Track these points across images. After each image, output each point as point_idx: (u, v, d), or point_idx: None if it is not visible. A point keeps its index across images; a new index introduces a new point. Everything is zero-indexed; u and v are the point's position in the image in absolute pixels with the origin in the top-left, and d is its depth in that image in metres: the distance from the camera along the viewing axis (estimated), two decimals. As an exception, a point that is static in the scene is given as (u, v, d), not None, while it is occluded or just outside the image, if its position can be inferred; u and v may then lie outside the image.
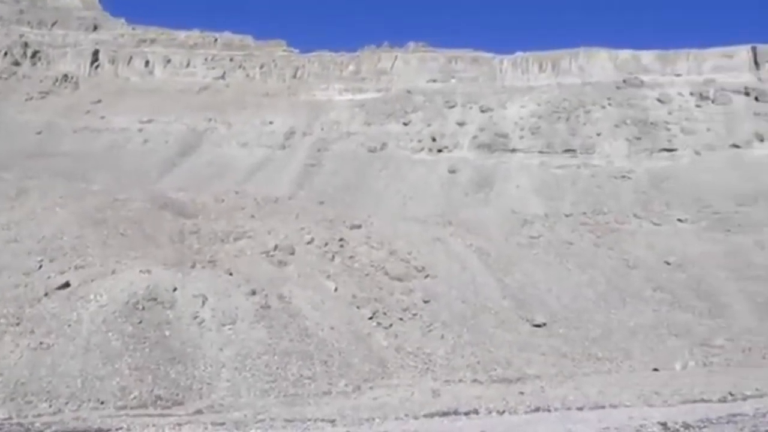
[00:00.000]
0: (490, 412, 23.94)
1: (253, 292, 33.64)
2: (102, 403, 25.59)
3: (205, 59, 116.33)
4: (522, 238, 55.05)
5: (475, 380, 32.78)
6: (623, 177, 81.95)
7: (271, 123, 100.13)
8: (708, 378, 32.28)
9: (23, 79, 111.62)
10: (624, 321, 44.51)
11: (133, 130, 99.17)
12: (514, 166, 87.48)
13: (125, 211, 43.33)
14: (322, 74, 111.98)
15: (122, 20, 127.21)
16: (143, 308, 30.25)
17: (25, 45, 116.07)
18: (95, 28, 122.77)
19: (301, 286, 37.67)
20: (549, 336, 41.00)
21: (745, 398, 25.76)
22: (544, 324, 42.18)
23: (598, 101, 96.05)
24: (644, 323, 44.43)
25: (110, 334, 28.47)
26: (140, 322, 29.47)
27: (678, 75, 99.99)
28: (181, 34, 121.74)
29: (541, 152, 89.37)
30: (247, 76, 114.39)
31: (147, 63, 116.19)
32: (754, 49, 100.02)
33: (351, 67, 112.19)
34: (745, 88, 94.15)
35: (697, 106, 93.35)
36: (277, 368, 29.60)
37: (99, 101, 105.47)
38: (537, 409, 24.41)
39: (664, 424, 18.73)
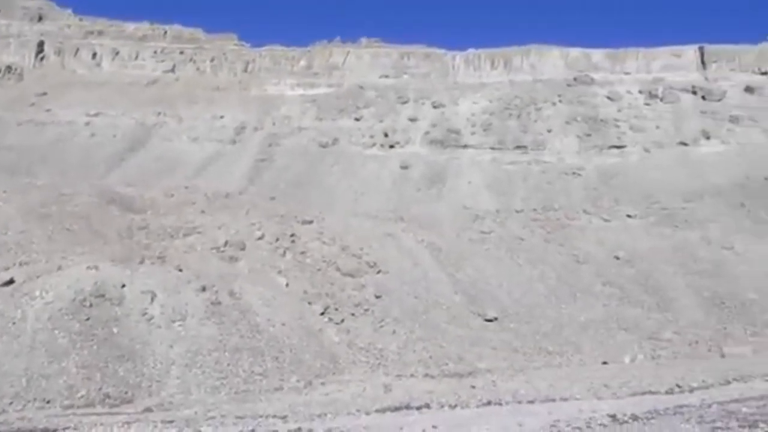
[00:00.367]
0: (441, 407, 23.95)
1: (204, 288, 33.28)
2: (48, 402, 25.10)
3: (155, 52, 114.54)
4: (473, 234, 55.34)
5: (426, 375, 32.84)
6: (573, 173, 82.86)
7: (221, 117, 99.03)
8: (656, 370, 32.73)
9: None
10: (574, 315, 45.00)
11: (80, 124, 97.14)
12: (465, 162, 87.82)
13: (71, 206, 42.57)
14: (274, 69, 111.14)
15: (69, 11, 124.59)
16: (90, 305, 29.71)
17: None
18: (40, 18, 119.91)
19: (252, 281, 37.38)
20: (500, 330, 41.27)
21: (691, 390, 26.18)
22: (496, 319, 42.45)
23: (549, 98, 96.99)
24: (594, 317, 44.96)
25: (56, 331, 27.92)
26: (87, 319, 28.93)
27: (627, 73, 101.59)
28: (130, 26, 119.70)
29: (492, 148, 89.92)
30: (198, 69, 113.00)
31: (94, 55, 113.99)
32: (701, 49, 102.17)
33: (303, 62, 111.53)
34: (693, 86, 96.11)
35: (646, 104, 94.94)
36: (228, 365, 29.32)
37: (44, 94, 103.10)
38: (488, 403, 24.50)
39: (613, 416, 18.91)
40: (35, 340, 27.24)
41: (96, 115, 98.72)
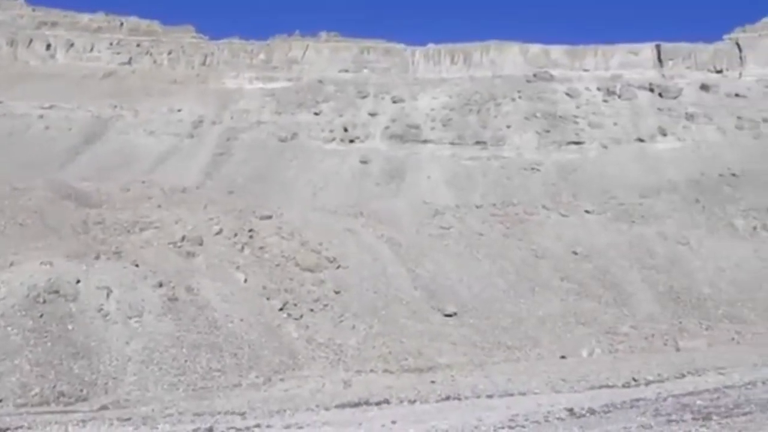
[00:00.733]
0: (401, 402, 24.01)
1: (160, 284, 32.95)
2: (0, 401, 24.61)
3: (111, 44, 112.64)
4: (433, 229, 55.42)
5: (386, 370, 32.87)
6: (532, 169, 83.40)
7: (179, 111, 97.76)
8: (613, 364, 33.15)
9: None
10: (533, 310, 45.32)
11: (34, 117, 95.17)
12: (425, 158, 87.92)
13: (25, 200, 41.85)
14: (232, 62, 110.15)
15: (21, 0, 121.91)
16: (44, 301, 29.23)
17: None
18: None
19: (210, 277, 37.08)
20: (459, 325, 41.43)
21: (647, 383, 26.57)
22: (455, 314, 42.61)
23: (508, 94, 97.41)
24: (552, 312, 45.33)
25: (9, 328, 27.42)
26: (41, 316, 28.45)
27: (586, 70, 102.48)
28: (85, 17, 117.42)
29: (452, 144, 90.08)
30: (155, 62, 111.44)
31: (48, 46, 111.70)
32: (658, 47, 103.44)
33: (262, 56, 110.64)
34: (650, 84, 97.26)
35: (604, 100, 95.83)
36: (186, 361, 29.04)
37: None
38: (448, 398, 24.61)
39: (570, 410, 19.10)
40: (-13, 338, 26.70)
41: (50, 107, 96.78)
